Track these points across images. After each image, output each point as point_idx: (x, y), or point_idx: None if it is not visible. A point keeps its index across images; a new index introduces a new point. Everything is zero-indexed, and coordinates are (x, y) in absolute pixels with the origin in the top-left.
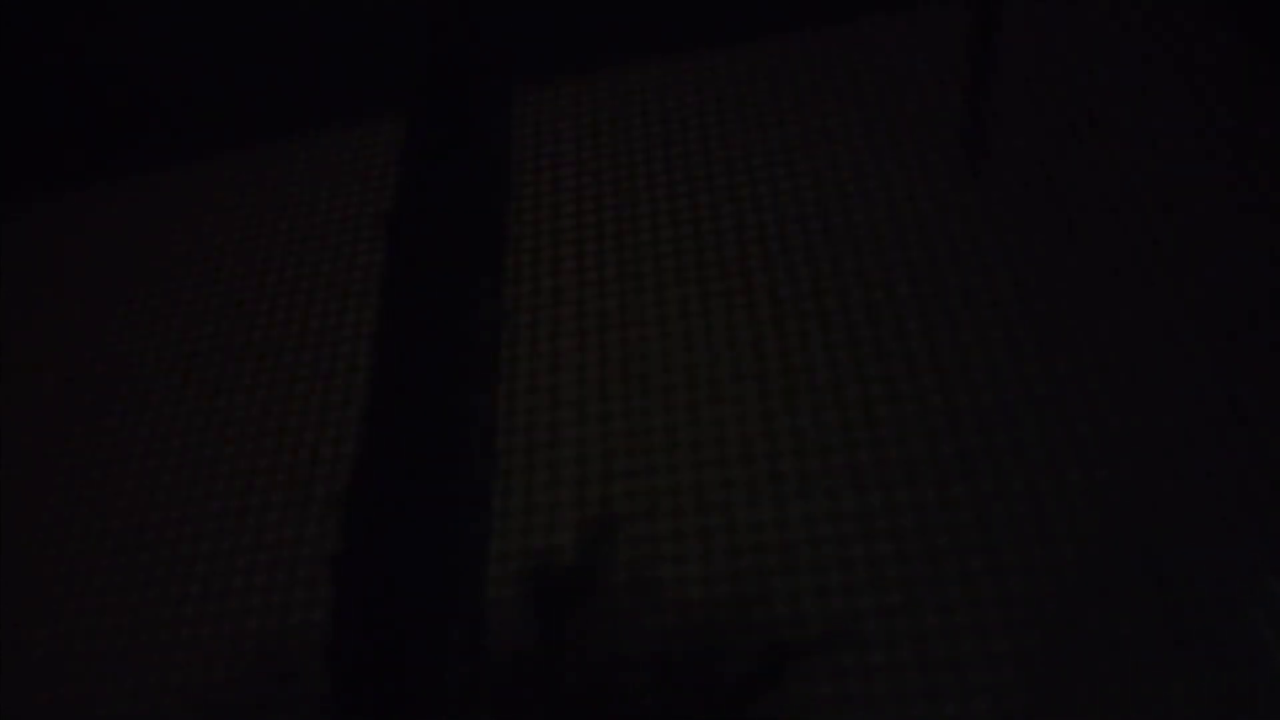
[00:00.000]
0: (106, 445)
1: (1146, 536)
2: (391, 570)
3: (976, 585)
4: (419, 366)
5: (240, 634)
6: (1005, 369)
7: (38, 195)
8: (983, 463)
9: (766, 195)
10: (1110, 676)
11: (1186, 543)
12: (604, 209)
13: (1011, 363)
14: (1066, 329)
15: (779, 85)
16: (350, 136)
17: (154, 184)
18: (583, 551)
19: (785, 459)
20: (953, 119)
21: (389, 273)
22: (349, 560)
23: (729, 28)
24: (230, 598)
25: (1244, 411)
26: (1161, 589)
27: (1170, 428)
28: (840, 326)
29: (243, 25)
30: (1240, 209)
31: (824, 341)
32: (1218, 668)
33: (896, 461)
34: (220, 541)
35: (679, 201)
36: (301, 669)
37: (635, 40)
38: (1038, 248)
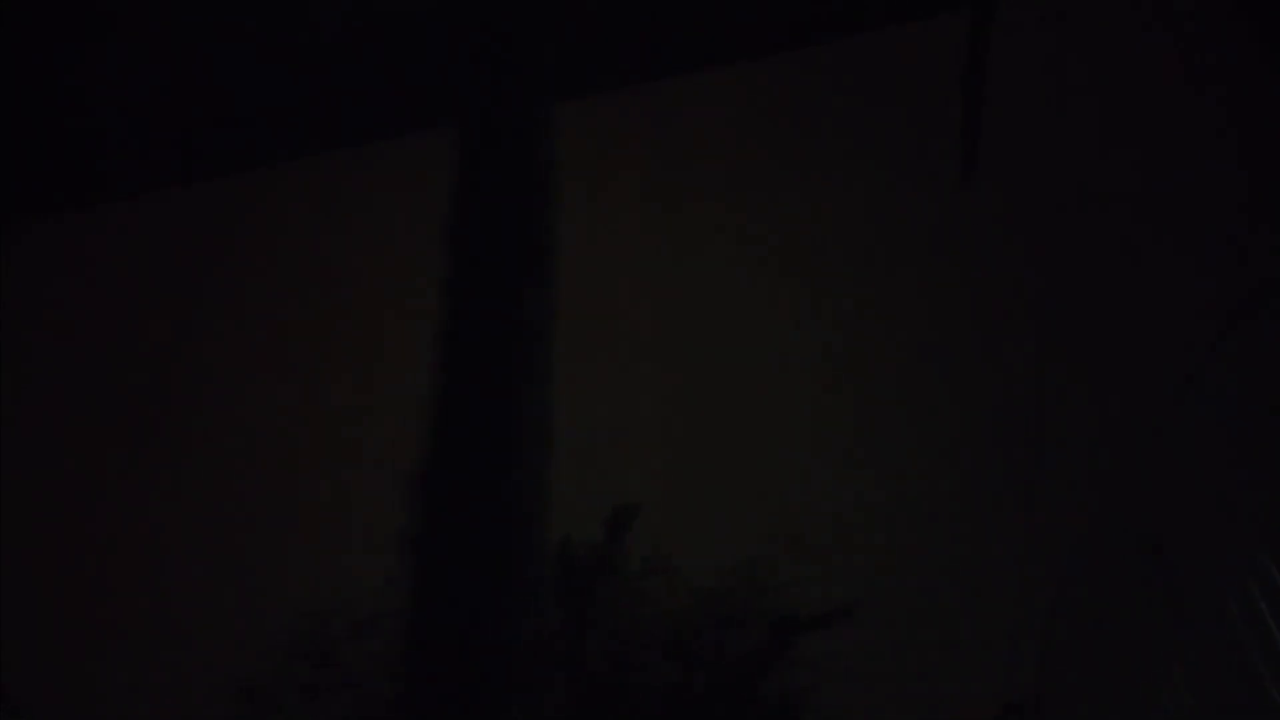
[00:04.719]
0: (161, 436)
1: (1148, 519)
2: (456, 549)
3: (976, 569)
4: (475, 363)
5: (284, 618)
6: (1002, 362)
7: (73, 207)
8: (983, 453)
9: (788, 198)
10: (1111, 658)
11: (1187, 526)
12: (643, 213)
13: (1008, 355)
14: (1063, 321)
15: (792, 97)
16: (405, 147)
17: (206, 194)
18: (605, 536)
19: (797, 453)
20: (948, 127)
21: (445, 275)
22: (418, 541)
23: (743, 44)
24: (275, 583)
25: (1240, 398)
26: (1163, 571)
27: (1168, 413)
28: (858, 329)
29: (296, 40)
30: (1224, 212)
31: (841, 348)
32: (1218, 650)
33: (900, 452)
34: (266, 529)
35: (712, 206)
36: (343, 653)
37: (668, 55)
38: (1030, 248)
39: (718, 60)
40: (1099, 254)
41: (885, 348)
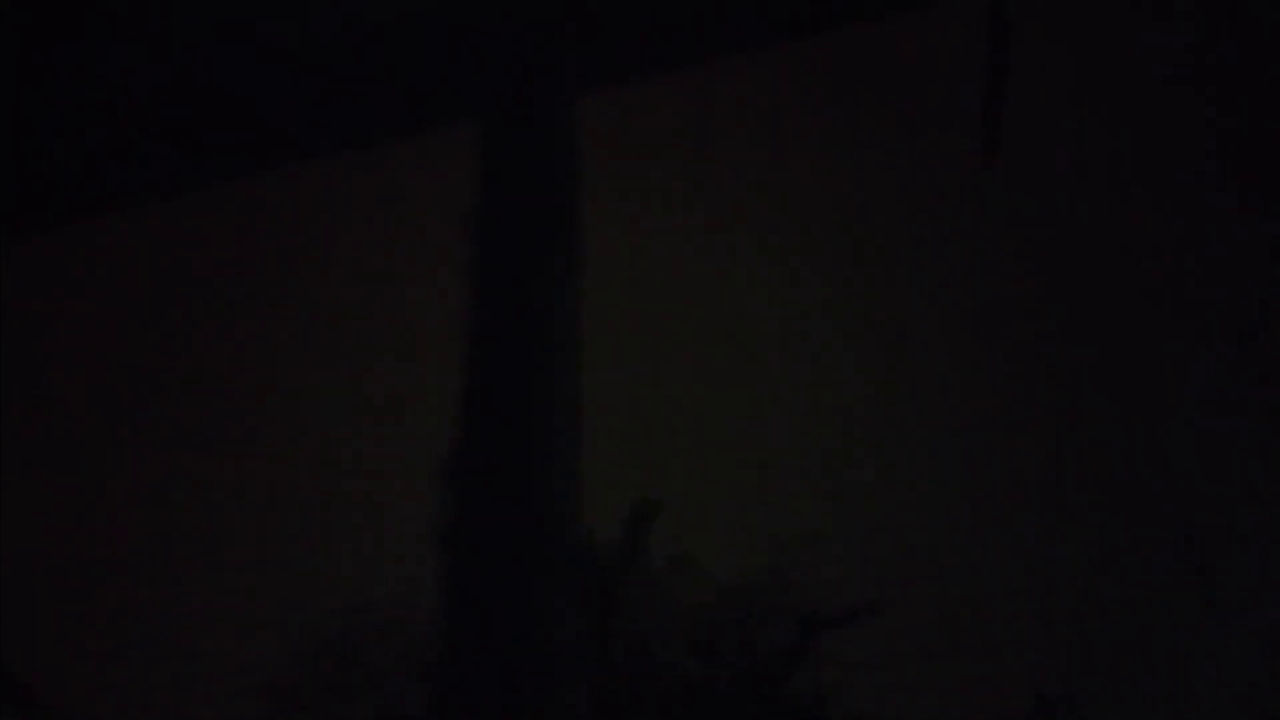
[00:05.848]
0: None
1: (1180, 509)
2: (487, 546)
3: (1006, 563)
4: (505, 349)
5: (306, 617)
6: (1030, 353)
7: (87, 215)
8: (1013, 446)
9: (813, 184)
10: (1144, 652)
11: (1220, 517)
12: (672, 204)
13: (1036, 346)
14: (1086, 312)
15: (813, 83)
16: (429, 142)
17: (227, 194)
18: (626, 533)
19: (823, 448)
20: (969, 112)
21: (473, 269)
22: (448, 538)
23: (765, 29)
24: (299, 582)
25: (1268, 384)
26: (1196, 563)
27: (1197, 402)
28: (888, 324)
29: (321, 36)
30: (1249, 206)
31: (870, 344)
32: (1253, 643)
33: (929, 447)
34: (290, 527)
35: (741, 196)
36: (366, 652)
37: (691, 41)
38: (1052, 238)
39: (741, 48)
40: (1122, 246)
41: (909, 344)
